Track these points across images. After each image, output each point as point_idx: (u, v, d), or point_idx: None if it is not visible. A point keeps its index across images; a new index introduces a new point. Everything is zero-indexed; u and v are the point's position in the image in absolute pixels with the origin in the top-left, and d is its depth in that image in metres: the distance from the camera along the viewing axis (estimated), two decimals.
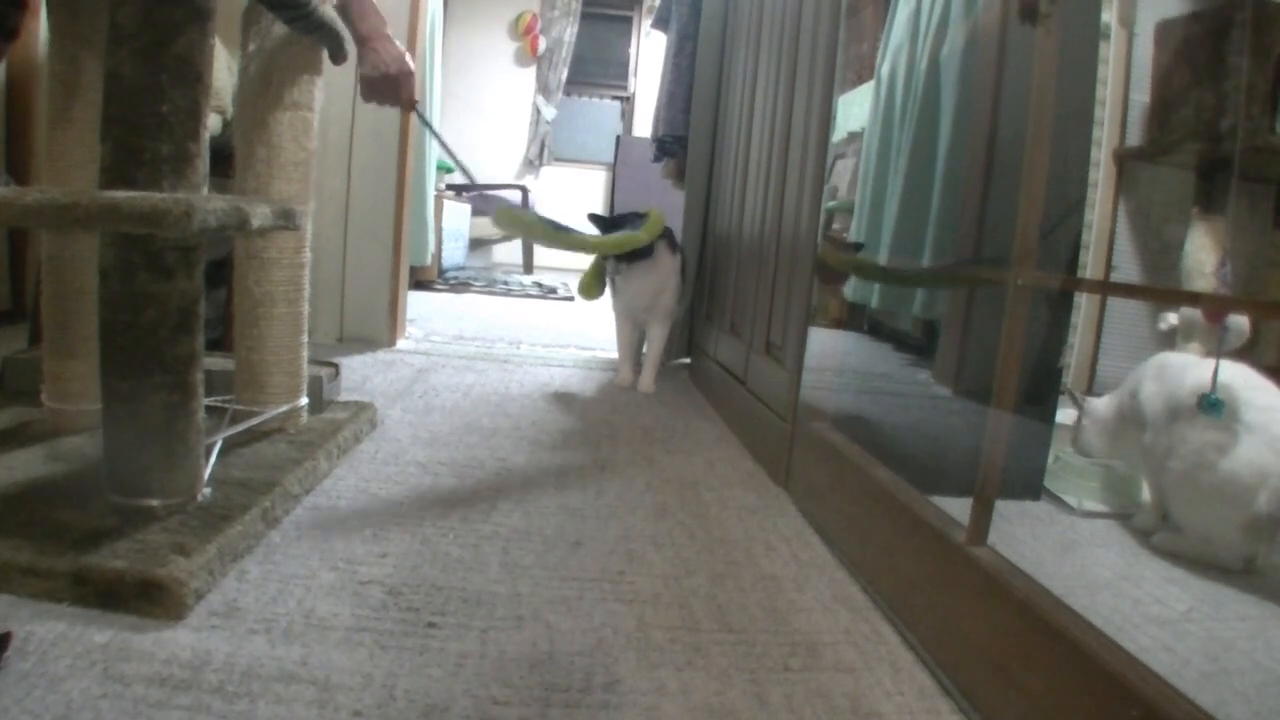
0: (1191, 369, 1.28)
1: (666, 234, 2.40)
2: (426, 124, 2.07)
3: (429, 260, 3.99)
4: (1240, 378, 1.23)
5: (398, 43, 1.61)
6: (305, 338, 1.51)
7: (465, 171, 2.26)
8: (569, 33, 7.17)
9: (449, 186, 5.58)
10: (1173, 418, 1.27)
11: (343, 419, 1.58)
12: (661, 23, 3.16)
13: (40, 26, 2.16)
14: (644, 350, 2.56)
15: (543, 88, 7.22)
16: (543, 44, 7.15)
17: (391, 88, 1.63)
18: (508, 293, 4.90)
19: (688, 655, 0.93)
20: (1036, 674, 0.78)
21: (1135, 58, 1.85)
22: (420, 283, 4.60)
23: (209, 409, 1.16)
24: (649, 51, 7.27)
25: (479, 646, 0.91)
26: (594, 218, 2.43)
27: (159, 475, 1.05)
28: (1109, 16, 1.82)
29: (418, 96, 2.61)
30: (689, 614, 1.03)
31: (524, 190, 6.32)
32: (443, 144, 2.02)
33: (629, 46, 7.64)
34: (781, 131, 1.87)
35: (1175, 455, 1.26)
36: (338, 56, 1.49)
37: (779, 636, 0.99)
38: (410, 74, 1.64)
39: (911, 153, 1.74)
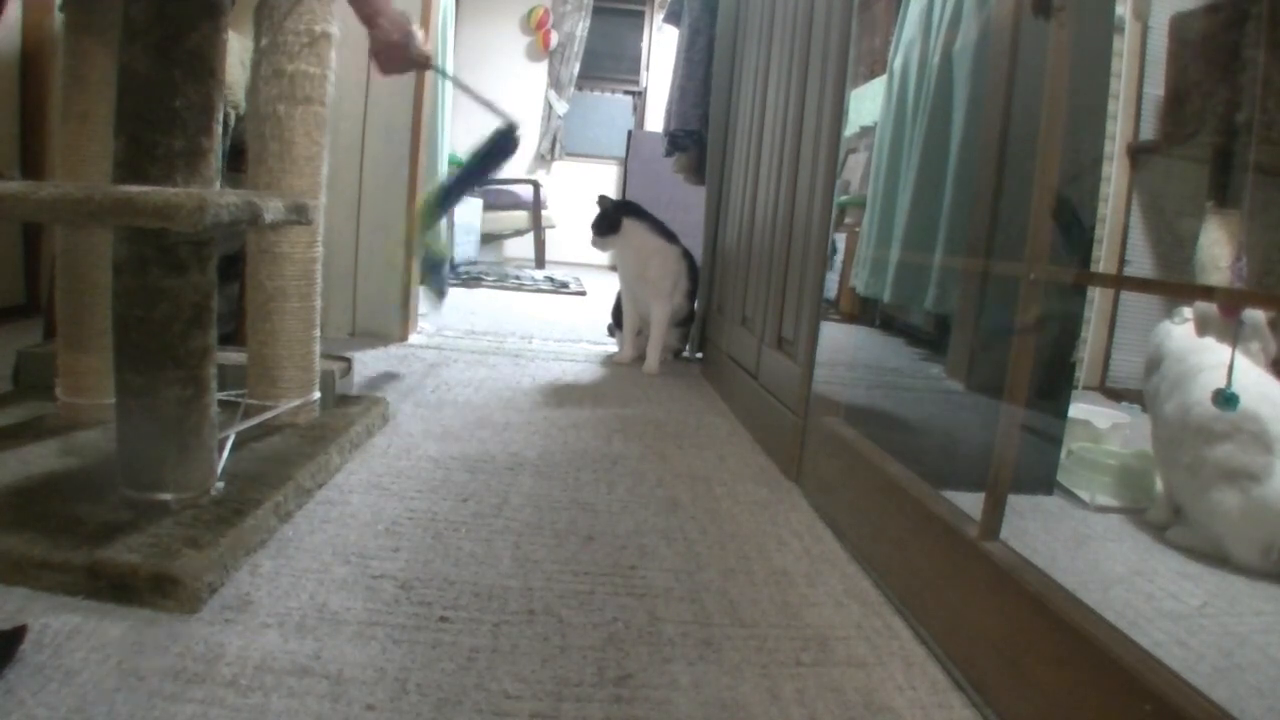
0: (1213, 372, 1.25)
1: (649, 219, 2.64)
2: (446, 75, 2.09)
3: None
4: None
5: (399, 11, 1.66)
6: (317, 332, 1.52)
7: (498, 111, 2.22)
8: (581, 27, 7.16)
9: None
10: (1199, 430, 1.25)
11: (355, 413, 1.59)
12: (673, 17, 3.15)
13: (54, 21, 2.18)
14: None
15: (554, 82, 7.21)
16: (555, 39, 7.14)
17: (400, 53, 1.67)
18: (520, 287, 4.90)
19: (699, 649, 0.93)
20: (1049, 668, 0.78)
21: (1149, 51, 1.84)
22: None
23: (222, 403, 1.17)
24: (661, 46, 7.25)
25: (491, 640, 0.91)
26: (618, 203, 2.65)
27: (172, 469, 1.05)
28: (1123, 10, 1.81)
29: (433, 107, 2.59)
30: (701, 608, 1.03)
31: (535, 184, 6.32)
32: (469, 91, 2.08)
33: (641, 41, 7.62)
34: (794, 126, 1.86)
35: (1203, 466, 1.24)
36: None
37: (791, 631, 0.99)
38: (410, 34, 1.67)
39: (924, 147, 1.73)
